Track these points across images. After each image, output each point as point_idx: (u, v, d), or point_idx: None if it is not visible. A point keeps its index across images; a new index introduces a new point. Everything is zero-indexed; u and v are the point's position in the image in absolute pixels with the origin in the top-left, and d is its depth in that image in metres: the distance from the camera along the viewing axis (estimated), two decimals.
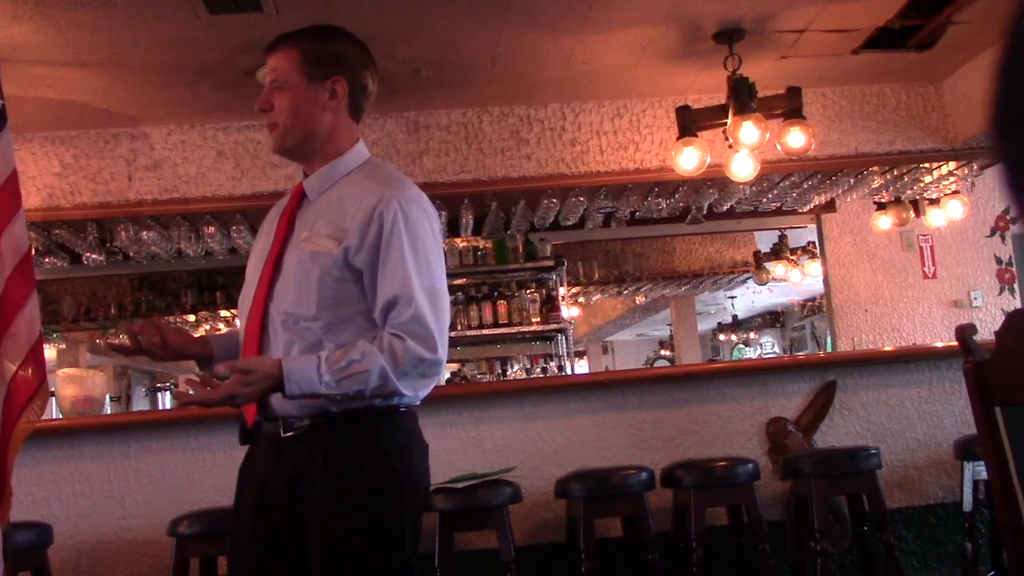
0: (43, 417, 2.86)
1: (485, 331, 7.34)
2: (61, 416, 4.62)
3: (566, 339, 7.69)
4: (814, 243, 7.85)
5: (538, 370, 9.38)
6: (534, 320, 7.38)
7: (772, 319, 15.39)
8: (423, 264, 2.09)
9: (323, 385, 1.98)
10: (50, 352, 8.41)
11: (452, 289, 7.54)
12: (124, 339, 2.19)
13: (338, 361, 1.99)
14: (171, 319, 8.57)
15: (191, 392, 1.99)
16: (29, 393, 2.75)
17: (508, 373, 10.17)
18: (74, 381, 4.71)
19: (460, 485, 3.75)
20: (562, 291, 7.64)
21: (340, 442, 2.07)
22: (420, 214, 2.13)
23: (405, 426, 2.20)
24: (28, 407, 2.75)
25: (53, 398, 4.55)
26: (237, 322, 2.33)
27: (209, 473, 4.20)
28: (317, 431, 2.08)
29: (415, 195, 2.15)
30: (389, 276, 2.06)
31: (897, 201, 6.39)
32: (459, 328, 7.31)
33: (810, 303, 13.18)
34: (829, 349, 7.13)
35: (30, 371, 2.76)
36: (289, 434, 2.10)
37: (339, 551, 2.04)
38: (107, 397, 5.08)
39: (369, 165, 2.26)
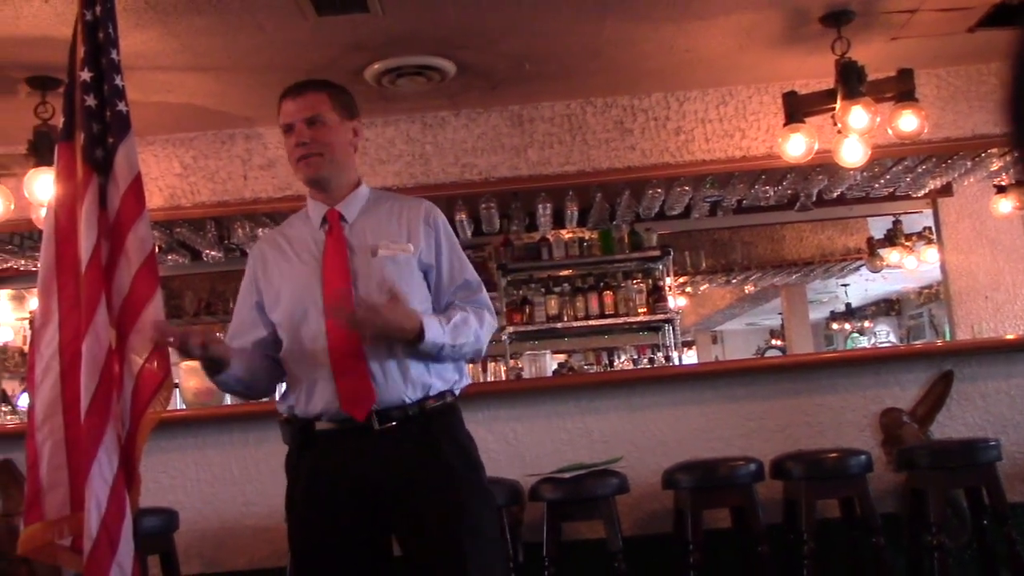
0: (168, 408, 2.98)
1: (592, 322, 7.35)
2: (184, 407, 4.81)
3: (673, 329, 7.64)
4: (930, 228, 7.61)
5: (645, 361, 9.33)
6: (641, 310, 7.35)
7: (887, 307, 14.94)
8: (467, 260, 2.66)
9: (447, 335, 2.41)
10: None
11: (558, 280, 7.59)
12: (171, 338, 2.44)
13: (447, 321, 2.44)
14: None
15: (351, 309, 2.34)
16: (155, 385, 2.87)
17: (615, 364, 10.14)
18: (196, 373, 4.90)
19: (567, 475, 3.78)
20: (669, 281, 7.59)
21: (441, 429, 2.46)
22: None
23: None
24: (154, 398, 2.87)
25: (177, 390, 4.75)
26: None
27: None
28: (411, 423, 2.40)
29: None
30: (457, 266, 2.59)
31: (1018, 184, 6.13)
32: (566, 319, 7.34)
33: (927, 290, 12.76)
34: (948, 338, 6.90)
35: (155, 364, 2.87)
36: (387, 426, 2.39)
37: (475, 508, 2.40)
38: None
39: (380, 193, 2.71)
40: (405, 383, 2.41)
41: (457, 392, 2.56)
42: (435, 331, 2.39)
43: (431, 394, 2.45)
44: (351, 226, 2.55)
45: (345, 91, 2.68)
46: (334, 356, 2.41)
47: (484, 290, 2.64)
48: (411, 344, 2.37)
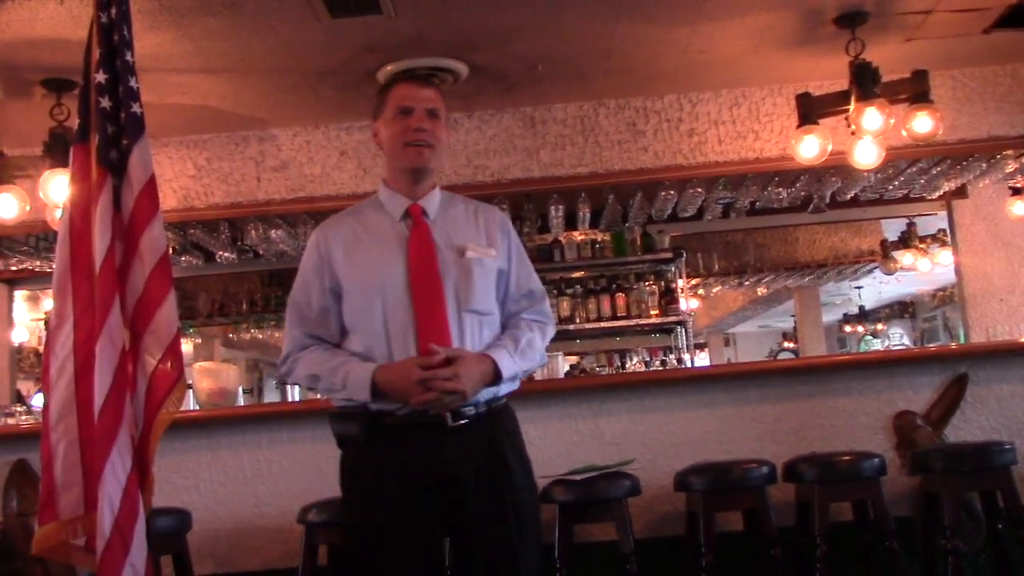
0: (181, 409, 2.99)
1: (603, 324, 7.34)
2: (198, 408, 4.82)
3: (685, 331, 7.62)
4: (944, 230, 7.58)
5: (657, 363, 9.30)
6: (653, 312, 7.34)
7: (901, 309, 14.89)
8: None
9: (517, 363, 2.51)
10: (187, 346, 8.80)
11: (570, 282, 7.58)
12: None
13: (516, 346, 2.54)
14: None
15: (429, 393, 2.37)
16: (168, 386, 2.87)
17: (627, 366, 10.12)
18: (209, 374, 4.92)
19: (579, 477, 3.77)
20: (681, 283, 7.58)
21: (503, 427, 2.55)
22: None
23: None
24: (167, 399, 2.87)
25: (190, 390, 4.76)
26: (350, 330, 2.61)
27: (336, 463, 4.32)
28: (479, 420, 2.49)
29: None
30: (524, 275, 2.69)
31: None
32: (578, 321, 7.33)
33: (941, 293, 12.71)
34: (962, 340, 6.87)
35: (169, 365, 2.88)
36: (460, 422, 2.45)
37: (529, 508, 2.54)
38: (240, 389, 5.29)
39: (448, 193, 2.74)
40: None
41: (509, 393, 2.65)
42: (508, 365, 2.48)
43: (499, 395, 2.55)
44: (433, 223, 2.60)
45: None
46: (422, 350, 2.43)
47: (547, 299, 2.76)
48: (490, 385, 2.47)
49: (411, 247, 2.53)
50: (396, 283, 2.48)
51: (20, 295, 7.31)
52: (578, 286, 7.49)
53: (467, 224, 2.63)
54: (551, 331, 2.70)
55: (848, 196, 6.43)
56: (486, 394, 2.49)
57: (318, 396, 2.71)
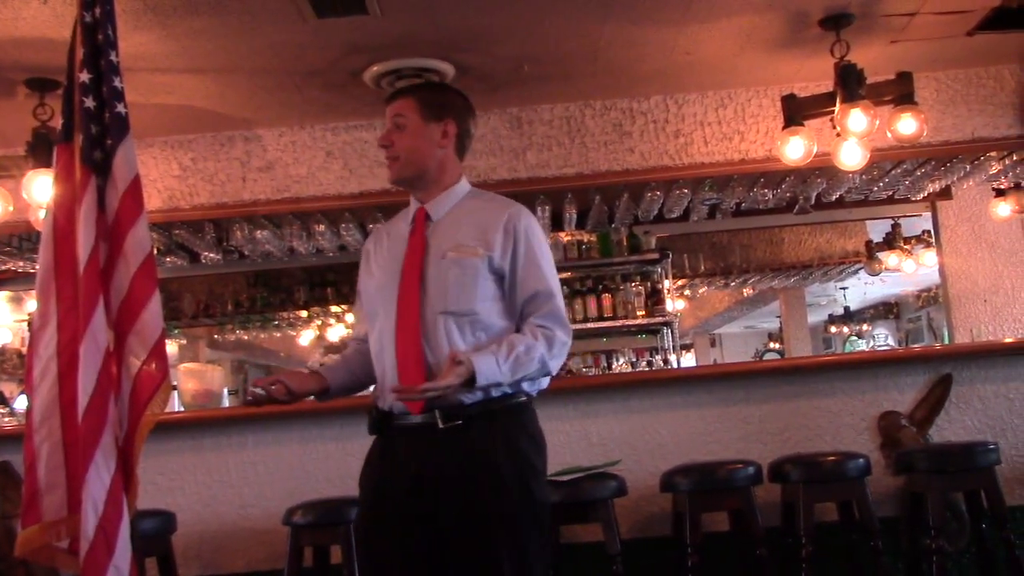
0: (166, 410, 2.97)
1: (590, 325, 7.34)
2: (182, 409, 4.81)
3: (671, 332, 7.64)
4: (929, 231, 7.63)
5: (643, 363, 9.31)
6: (639, 313, 7.35)
7: (886, 310, 14.97)
8: (549, 265, 2.61)
9: (503, 375, 2.41)
10: (172, 348, 8.77)
11: None
12: (259, 391, 2.56)
13: (509, 354, 2.43)
14: (284, 315, 8.85)
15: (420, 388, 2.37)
16: (153, 387, 2.85)
17: (613, 367, 10.12)
18: (194, 375, 4.91)
19: (566, 478, 3.77)
20: (667, 284, 7.59)
21: (501, 430, 2.47)
22: (539, 226, 2.65)
23: (536, 415, 2.61)
24: (152, 400, 2.85)
25: (175, 392, 4.74)
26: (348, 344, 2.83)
27: (322, 464, 4.32)
28: (474, 421, 2.44)
29: (529, 212, 2.66)
30: (531, 275, 2.56)
31: (1017, 187, 6.14)
32: None
33: (925, 293, 12.79)
34: (946, 341, 6.91)
35: (154, 366, 2.85)
36: (452, 423, 2.43)
37: (520, 519, 2.43)
38: (225, 391, 5.27)
39: (476, 192, 2.73)
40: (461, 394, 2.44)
41: (534, 392, 2.57)
42: (489, 372, 2.39)
43: (494, 395, 2.46)
44: (435, 226, 2.63)
45: (439, 92, 2.77)
46: (400, 355, 2.50)
47: (556, 299, 2.58)
48: (468, 386, 2.40)
49: (406, 252, 2.60)
50: (392, 285, 2.57)
51: (3, 296, 7.28)
52: (564, 287, 7.42)
53: (468, 224, 2.59)
54: (561, 336, 2.54)
55: (833, 197, 6.45)
56: (475, 397, 2.44)
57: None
